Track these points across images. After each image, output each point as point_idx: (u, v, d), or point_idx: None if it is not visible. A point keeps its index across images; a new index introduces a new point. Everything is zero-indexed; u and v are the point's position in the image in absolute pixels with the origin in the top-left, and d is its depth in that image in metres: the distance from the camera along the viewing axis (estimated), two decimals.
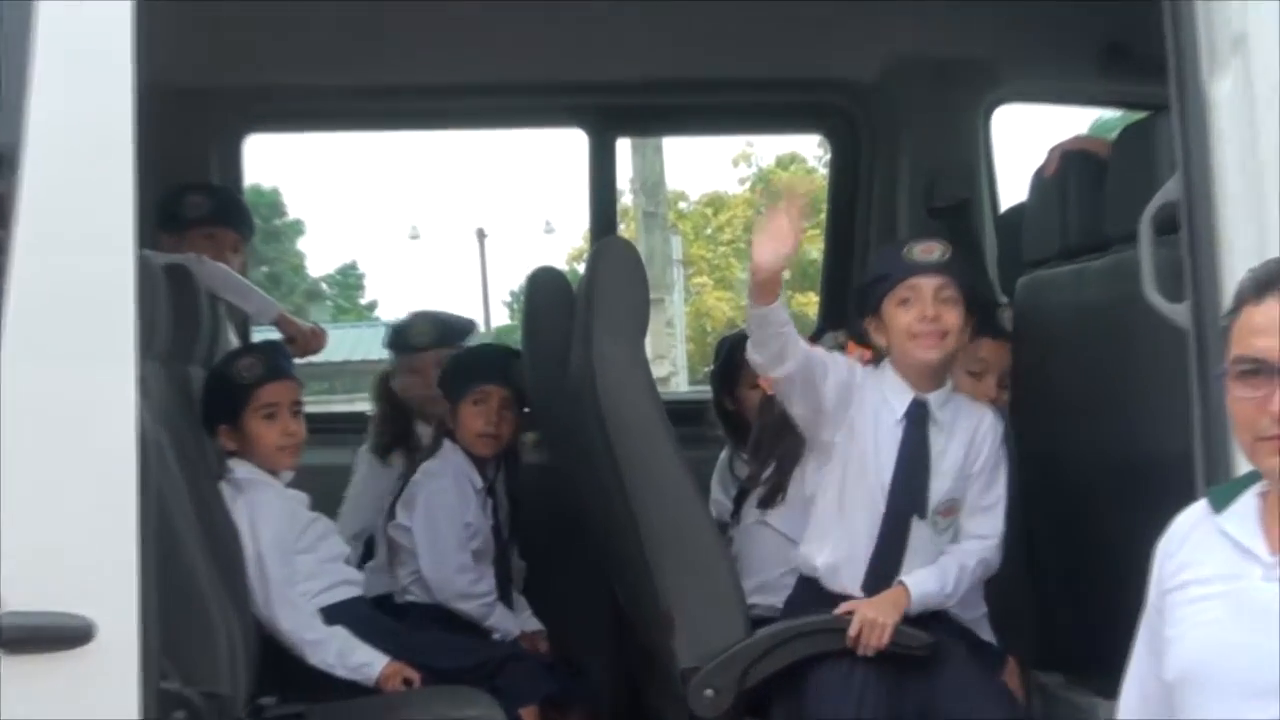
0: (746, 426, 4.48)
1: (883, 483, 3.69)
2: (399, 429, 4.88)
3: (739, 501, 4.24)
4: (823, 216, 5.72)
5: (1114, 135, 3.87)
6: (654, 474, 3.70)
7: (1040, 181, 4.04)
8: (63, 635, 2.49)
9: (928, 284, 3.69)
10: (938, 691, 3.66)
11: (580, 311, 3.88)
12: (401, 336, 4.99)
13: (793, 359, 3.61)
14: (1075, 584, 4.23)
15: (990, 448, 3.80)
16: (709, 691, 3.62)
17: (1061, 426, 3.99)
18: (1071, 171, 3.89)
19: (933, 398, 3.74)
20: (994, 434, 3.81)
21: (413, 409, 4.90)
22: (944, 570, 3.71)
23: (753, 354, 3.66)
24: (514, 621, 4.54)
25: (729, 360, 4.68)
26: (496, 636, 4.46)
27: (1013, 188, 5.19)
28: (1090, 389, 3.77)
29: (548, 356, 4.22)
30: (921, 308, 3.67)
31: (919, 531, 3.71)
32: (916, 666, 3.65)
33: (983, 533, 3.78)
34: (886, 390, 3.73)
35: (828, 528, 3.73)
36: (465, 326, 5.07)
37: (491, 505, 4.58)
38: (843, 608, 3.64)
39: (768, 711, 3.70)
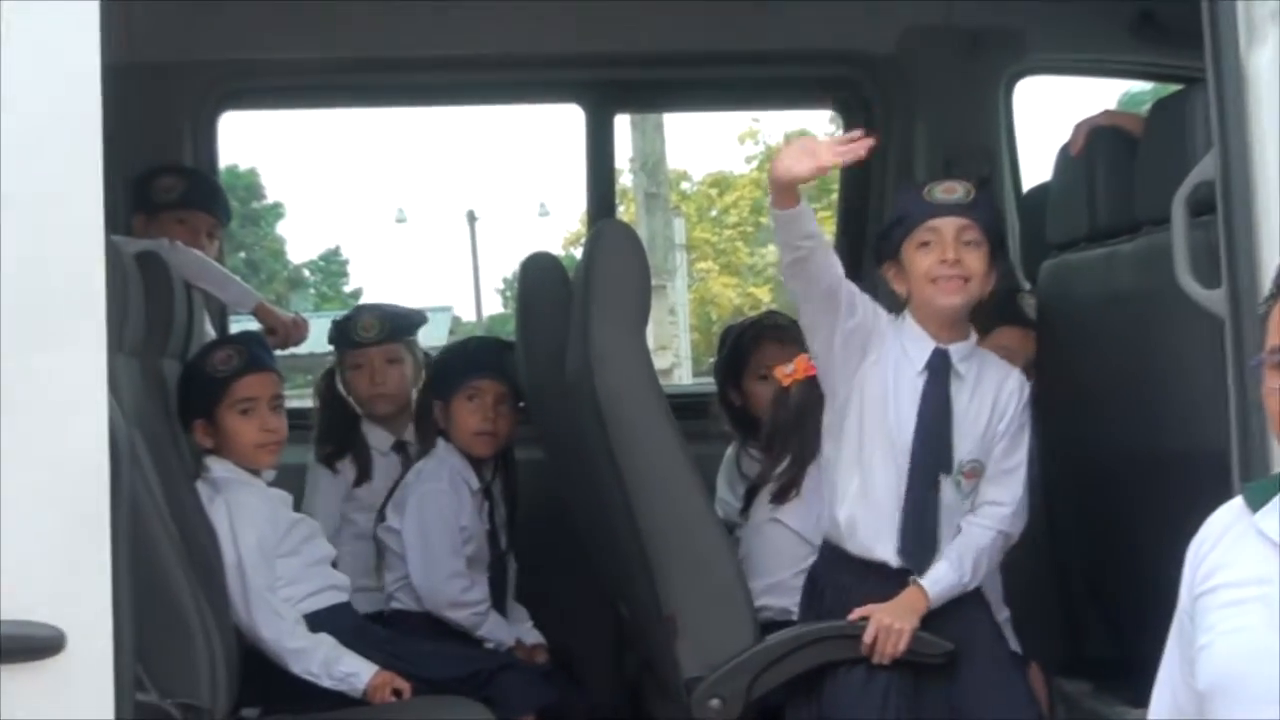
0: (753, 421, 4.48)
1: (904, 438, 3.68)
2: (345, 432, 4.83)
3: (749, 498, 4.23)
4: (832, 197, 5.71)
5: (1145, 110, 3.86)
6: (656, 471, 3.70)
7: (1066, 159, 4.04)
8: (31, 646, 2.48)
9: (949, 225, 3.68)
10: (960, 697, 3.67)
11: (577, 300, 3.88)
12: (345, 331, 4.90)
13: (816, 278, 3.59)
14: (1102, 586, 4.24)
15: (1016, 408, 3.78)
16: (715, 701, 3.63)
17: (1088, 418, 3.99)
18: (1099, 149, 3.89)
19: (955, 349, 3.73)
20: (1020, 394, 3.80)
21: (358, 410, 4.87)
22: (960, 558, 3.70)
23: (781, 257, 3.65)
24: (508, 631, 4.53)
25: (734, 351, 4.68)
26: (490, 646, 4.46)
27: (1036, 166, 5.18)
28: (1119, 379, 3.77)
29: (543, 348, 4.22)
30: (942, 250, 3.67)
31: (945, 491, 3.71)
32: (937, 671, 3.65)
33: (1000, 499, 3.75)
34: (906, 341, 3.72)
35: (847, 483, 3.70)
36: (415, 319, 5.04)
37: (488, 508, 4.57)
38: (857, 613, 3.64)
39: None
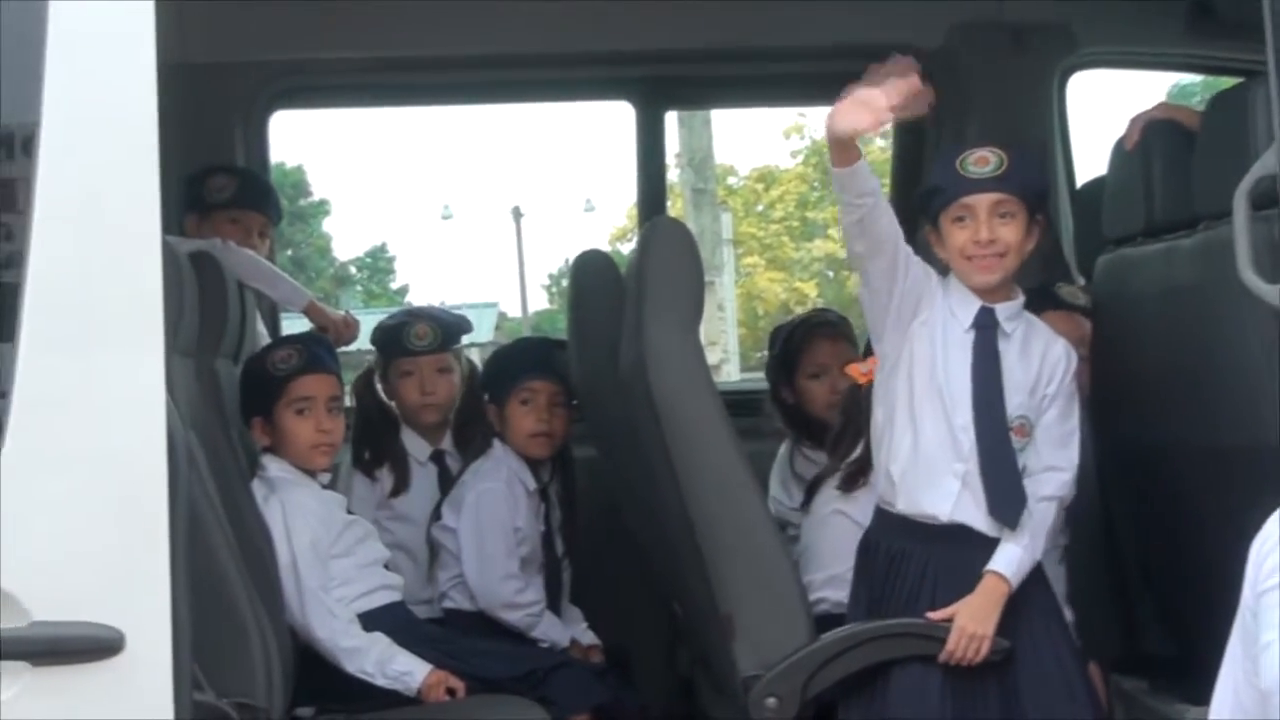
0: (807, 419, 4.46)
1: (953, 395, 3.66)
2: (384, 439, 4.78)
3: (811, 492, 4.23)
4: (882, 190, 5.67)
5: (1196, 103, 3.82)
6: (712, 470, 3.69)
7: (1121, 154, 4.00)
8: (92, 646, 2.49)
9: (982, 202, 3.66)
10: (1021, 694, 3.64)
11: (631, 297, 3.87)
12: (396, 338, 4.83)
13: (878, 237, 3.58)
14: (1159, 582, 4.21)
15: (1063, 374, 3.76)
16: (771, 700, 3.61)
17: (1146, 414, 3.96)
18: (1155, 143, 3.85)
19: (1001, 309, 3.72)
20: (1067, 360, 3.78)
21: (399, 417, 4.84)
22: (1032, 539, 3.67)
23: (842, 219, 3.64)
24: (562, 631, 4.53)
25: (786, 349, 4.66)
26: (544, 645, 4.46)
27: (1089, 161, 5.15)
28: (1178, 374, 3.74)
29: (596, 346, 4.21)
30: (975, 229, 3.66)
31: None
32: (996, 666, 3.63)
33: (1059, 464, 3.73)
34: (953, 302, 3.71)
35: (900, 441, 3.69)
36: (464, 326, 4.98)
37: (544, 510, 4.57)
38: (941, 614, 3.60)
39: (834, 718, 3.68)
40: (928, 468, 3.66)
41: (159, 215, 2.60)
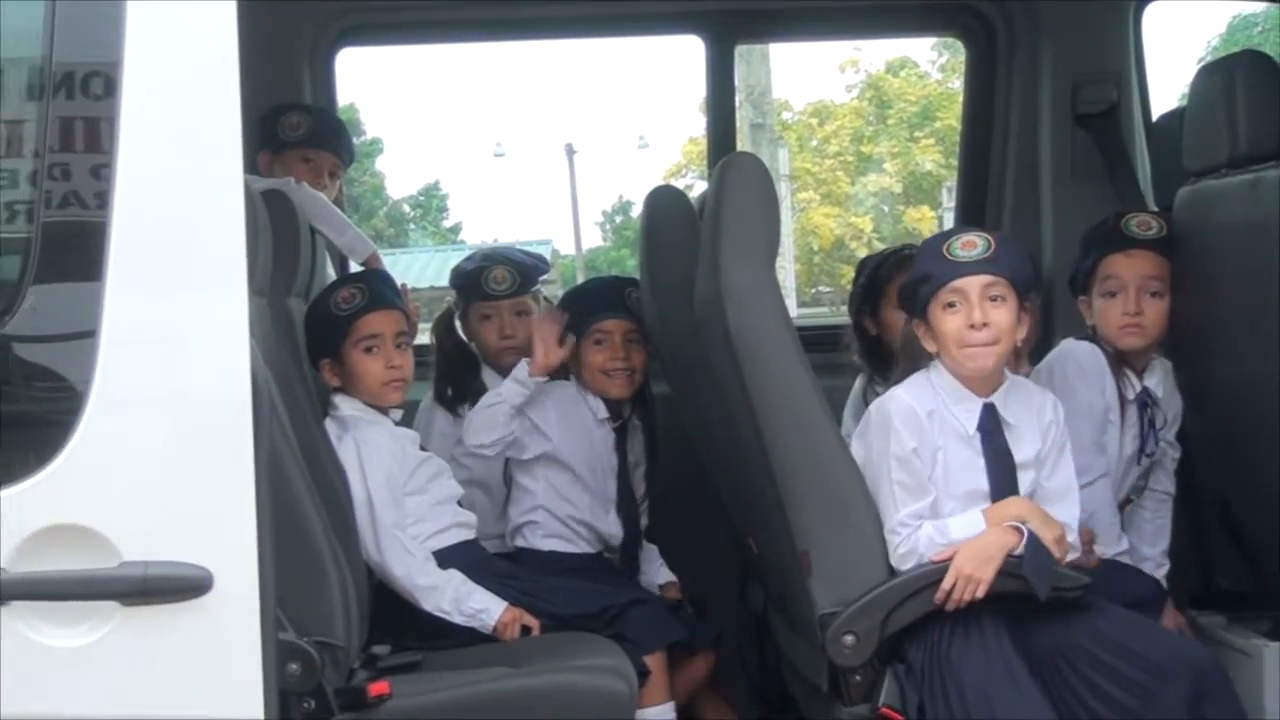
0: (887, 352, 4.42)
1: (969, 489, 3.68)
2: (466, 378, 4.78)
3: None
4: (935, 125, 5.62)
5: (1258, 34, 3.76)
6: (790, 407, 3.66)
7: (1202, 84, 3.94)
8: (181, 586, 2.50)
9: (973, 285, 3.65)
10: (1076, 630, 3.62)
11: (706, 234, 3.83)
12: (476, 282, 4.83)
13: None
14: (1234, 517, 4.18)
15: (1056, 431, 3.78)
16: (849, 638, 3.59)
17: (1225, 348, 3.93)
18: (1239, 73, 3.80)
19: (998, 398, 3.72)
20: (1058, 417, 3.79)
21: (480, 356, 4.84)
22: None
23: None
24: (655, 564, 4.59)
25: (872, 280, 4.63)
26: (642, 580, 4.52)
27: (1166, 93, 5.08)
28: (1260, 308, 3.71)
29: (670, 283, 4.18)
30: (968, 313, 3.64)
31: None
32: (1069, 605, 3.62)
33: (1063, 519, 3.71)
34: (951, 403, 3.72)
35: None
36: (542, 268, 4.95)
37: (617, 443, 4.56)
38: (939, 555, 3.60)
39: (905, 657, 3.65)
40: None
41: (240, 154, 2.59)
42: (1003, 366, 3.73)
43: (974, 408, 3.71)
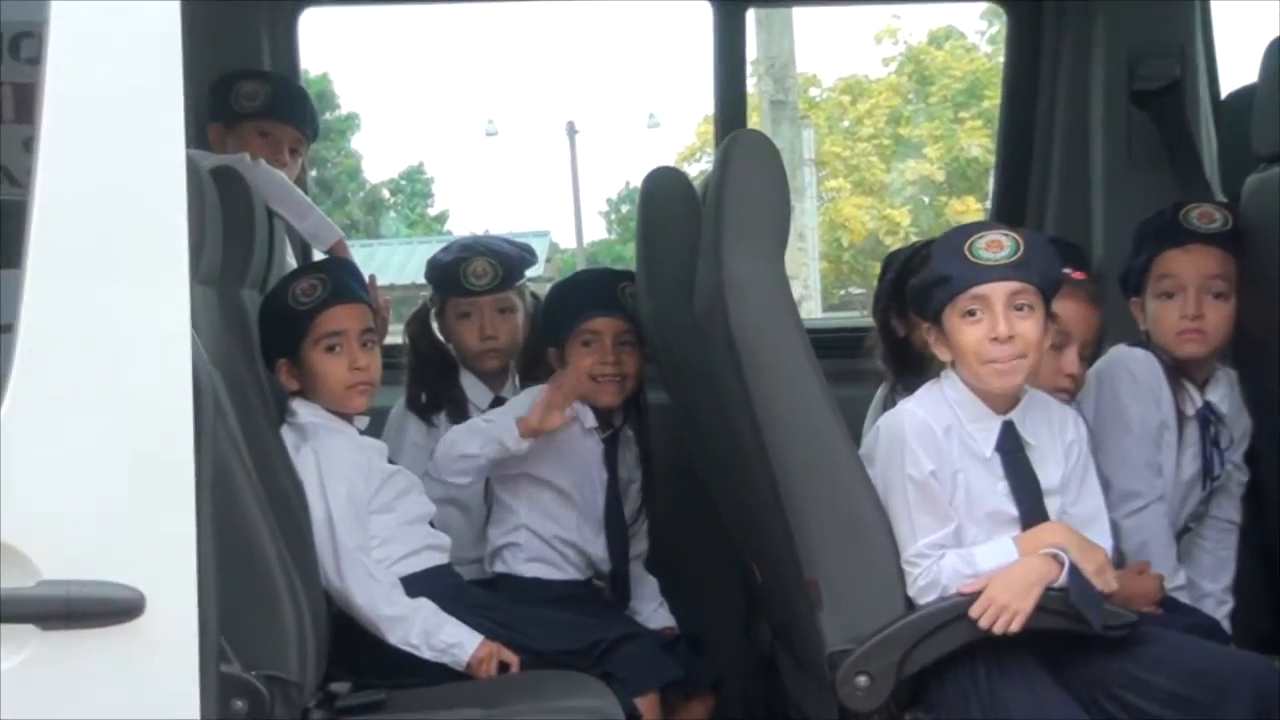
0: (914, 356, 4.43)
1: (997, 511, 3.70)
2: (442, 384, 4.80)
3: None
4: (983, 105, 5.64)
5: None
6: (798, 417, 3.67)
7: (1276, 57, 3.95)
8: (107, 608, 2.50)
9: (999, 292, 3.64)
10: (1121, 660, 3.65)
11: (708, 221, 3.85)
12: (452, 277, 4.83)
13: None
14: None
15: (1079, 450, 3.80)
16: (862, 679, 3.60)
17: None
18: None
19: (1016, 415, 3.74)
20: (1079, 435, 3.81)
21: (458, 360, 4.86)
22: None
23: None
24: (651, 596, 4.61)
25: (901, 277, 4.63)
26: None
27: (1236, 68, 5.09)
28: None
29: (668, 277, 4.20)
30: (992, 324, 3.64)
31: None
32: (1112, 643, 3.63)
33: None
34: (968, 422, 3.73)
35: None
36: (527, 260, 4.95)
37: (602, 454, 4.58)
38: (971, 586, 3.61)
39: (928, 701, 3.67)
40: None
41: (182, 126, 2.58)
42: (1027, 382, 3.74)
43: (992, 426, 3.72)
